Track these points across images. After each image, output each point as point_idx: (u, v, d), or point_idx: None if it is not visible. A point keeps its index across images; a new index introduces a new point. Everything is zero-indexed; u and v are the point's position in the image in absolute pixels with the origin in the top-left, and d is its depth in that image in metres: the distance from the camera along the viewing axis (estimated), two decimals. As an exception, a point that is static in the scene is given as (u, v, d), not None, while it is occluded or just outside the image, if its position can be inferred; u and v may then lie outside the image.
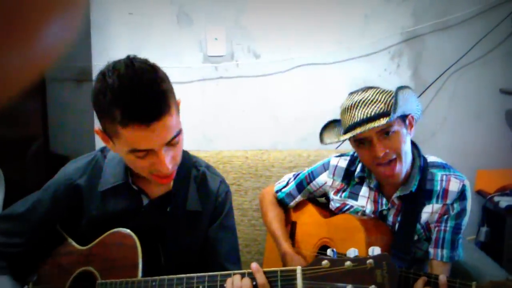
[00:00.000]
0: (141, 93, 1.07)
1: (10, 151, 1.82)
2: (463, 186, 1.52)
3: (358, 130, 1.41)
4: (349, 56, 2.39)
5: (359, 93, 1.48)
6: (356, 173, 1.65)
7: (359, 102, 1.45)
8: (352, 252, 1.04)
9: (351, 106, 1.46)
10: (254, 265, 1.16)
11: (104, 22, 2.37)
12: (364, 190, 1.64)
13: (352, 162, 1.68)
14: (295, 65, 2.41)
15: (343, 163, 1.70)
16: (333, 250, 1.08)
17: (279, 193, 1.84)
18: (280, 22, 2.37)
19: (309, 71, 2.41)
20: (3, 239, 1.33)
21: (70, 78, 2.10)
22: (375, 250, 1.03)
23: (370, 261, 1.01)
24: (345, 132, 1.48)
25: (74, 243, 1.37)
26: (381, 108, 1.42)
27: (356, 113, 1.44)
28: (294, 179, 1.81)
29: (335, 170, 1.70)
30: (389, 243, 1.52)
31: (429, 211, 1.53)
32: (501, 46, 2.35)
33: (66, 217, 1.37)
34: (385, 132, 1.43)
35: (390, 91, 1.46)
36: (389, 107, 1.41)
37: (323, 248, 1.63)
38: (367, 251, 1.05)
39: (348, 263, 1.01)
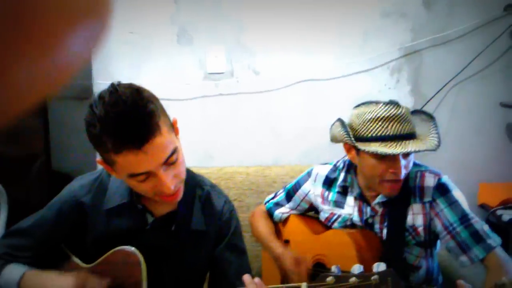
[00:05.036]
0: (127, 117, 1.07)
1: (12, 169, 1.83)
2: (439, 179, 1.52)
3: (408, 147, 1.41)
4: (348, 71, 2.40)
5: (394, 106, 1.46)
6: (338, 182, 1.68)
7: (395, 116, 1.45)
8: (357, 268, 1.04)
9: (387, 117, 1.44)
10: (246, 276, 1.16)
11: (105, 40, 2.38)
12: (349, 199, 1.67)
13: (333, 170, 1.73)
14: (295, 81, 2.42)
15: (324, 170, 1.76)
16: (337, 267, 1.08)
17: (267, 204, 1.89)
18: (280, 39, 2.39)
19: (309, 87, 2.42)
20: (12, 251, 1.34)
21: (71, 97, 2.12)
22: (380, 266, 1.02)
23: (375, 277, 1.00)
24: (377, 141, 1.44)
25: (78, 261, 1.36)
26: (412, 129, 1.47)
27: (398, 126, 1.44)
28: (283, 190, 1.87)
29: (316, 176, 1.77)
30: (380, 251, 1.53)
31: (410, 213, 1.54)
32: (501, 59, 2.36)
33: (71, 234, 1.37)
34: (408, 154, 1.47)
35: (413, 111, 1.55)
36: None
37: (318, 266, 1.64)
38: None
39: (353, 279, 1.01)
